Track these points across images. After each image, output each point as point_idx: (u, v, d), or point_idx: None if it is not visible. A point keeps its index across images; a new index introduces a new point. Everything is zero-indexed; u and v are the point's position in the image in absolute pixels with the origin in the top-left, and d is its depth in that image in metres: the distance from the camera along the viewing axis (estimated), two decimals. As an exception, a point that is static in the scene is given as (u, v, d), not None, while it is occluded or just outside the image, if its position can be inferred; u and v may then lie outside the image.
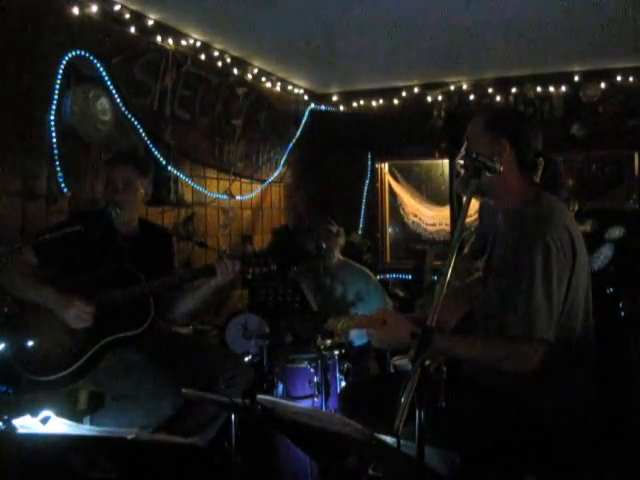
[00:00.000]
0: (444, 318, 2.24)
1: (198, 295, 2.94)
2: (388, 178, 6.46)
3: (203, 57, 4.57)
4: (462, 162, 2.16)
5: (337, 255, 4.29)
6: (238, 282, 4.76)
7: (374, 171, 6.34)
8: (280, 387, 3.35)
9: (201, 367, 2.83)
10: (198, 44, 4.47)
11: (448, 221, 6.16)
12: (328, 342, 3.38)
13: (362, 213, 6.32)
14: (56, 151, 3.45)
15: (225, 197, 5.03)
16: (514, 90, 5.64)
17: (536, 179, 2.16)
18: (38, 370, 2.60)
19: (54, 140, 3.44)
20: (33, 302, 2.69)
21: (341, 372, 3.42)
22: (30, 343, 2.62)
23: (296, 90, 5.93)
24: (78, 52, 3.55)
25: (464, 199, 1.82)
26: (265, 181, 5.57)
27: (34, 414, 1.81)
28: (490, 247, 2.24)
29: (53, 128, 3.42)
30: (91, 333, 2.67)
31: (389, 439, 1.57)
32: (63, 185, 3.50)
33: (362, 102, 6.24)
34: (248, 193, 5.38)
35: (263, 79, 5.39)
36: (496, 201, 2.20)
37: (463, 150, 2.17)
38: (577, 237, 2.05)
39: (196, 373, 2.78)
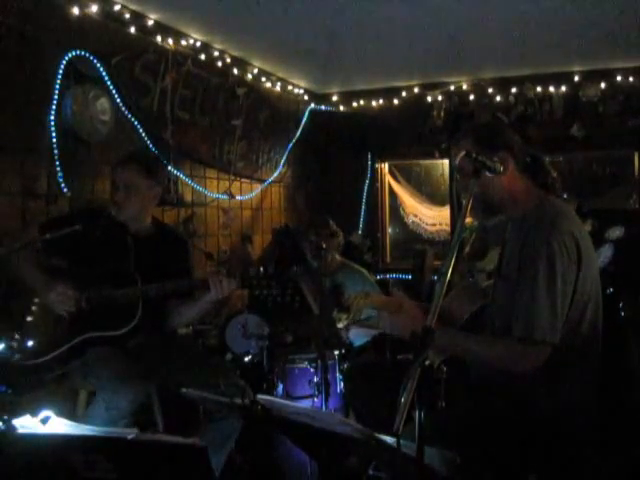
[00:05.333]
0: (456, 313, 2.25)
1: (197, 308, 2.88)
2: (388, 178, 6.47)
3: (203, 57, 4.57)
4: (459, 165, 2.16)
5: (335, 256, 4.29)
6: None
7: (374, 171, 6.34)
8: (280, 387, 3.36)
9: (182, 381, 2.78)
10: (198, 44, 4.47)
11: (448, 221, 6.18)
12: (343, 316, 3.36)
13: (362, 213, 6.32)
14: (56, 151, 3.45)
15: (225, 197, 5.03)
16: (514, 90, 5.64)
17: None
18: (21, 354, 2.62)
19: (54, 140, 3.44)
20: (30, 288, 2.71)
21: (341, 372, 3.42)
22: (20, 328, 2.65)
23: (296, 90, 5.93)
24: (78, 52, 3.55)
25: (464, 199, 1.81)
26: (265, 181, 5.57)
27: (34, 414, 1.81)
28: (500, 251, 2.25)
29: (53, 128, 3.43)
30: (74, 326, 2.68)
31: (389, 439, 1.57)
32: (63, 185, 3.50)
33: (362, 102, 6.24)
34: (248, 193, 5.38)
35: (263, 79, 5.39)
36: (507, 212, 2.19)
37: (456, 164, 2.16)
38: (583, 240, 2.03)
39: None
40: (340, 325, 3.42)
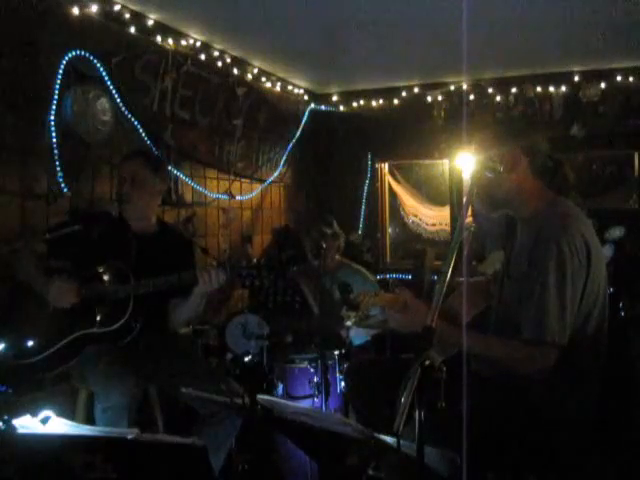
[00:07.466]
0: (461, 312, 2.25)
1: (189, 302, 2.87)
2: (388, 178, 6.46)
3: (203, 57, 4.56)
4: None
5: (335, 256, 4.29)
6: (237, 284, 4.74)
7: (374, 171, 6.34)
8: (280, 387, 3.36)
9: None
10: (198, 44, 4.47)
11: (448, 221, 6.17)
12: (352, 315, 3.36)
13: (362, 213, 6.32)
14: (56, 151, 3.44)
15: (225, 197, 5.03)
16: (514, 90, 5.64)
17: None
18: (16, 353, 2.63)
19: (54, 140, 3.43)
20: (30, 288, 2.72)
21: (341, 372, 3.42)
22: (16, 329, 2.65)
23: (296, 90, 5.93)
24: (78, 52, 3.54)
25: (464, 199, 1.82)
26: (265, 181, 5.57)
27: (34, 414, 1.81)
28: (509, 251, 2.25)
29: (53, 128, 3.42)
30: (69, 325, 2.69)
31: (389, 439, 1.57)
32: (63, 185, 3.49)
33: (362, 102, 6.23)
34: (248, 193, 5.38)
35: (263, 79, 5.39)
36: (515, 211, 2.20)
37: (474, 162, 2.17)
38: (593, 243, 2.03)
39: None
40: (349, 323, 3.44)
